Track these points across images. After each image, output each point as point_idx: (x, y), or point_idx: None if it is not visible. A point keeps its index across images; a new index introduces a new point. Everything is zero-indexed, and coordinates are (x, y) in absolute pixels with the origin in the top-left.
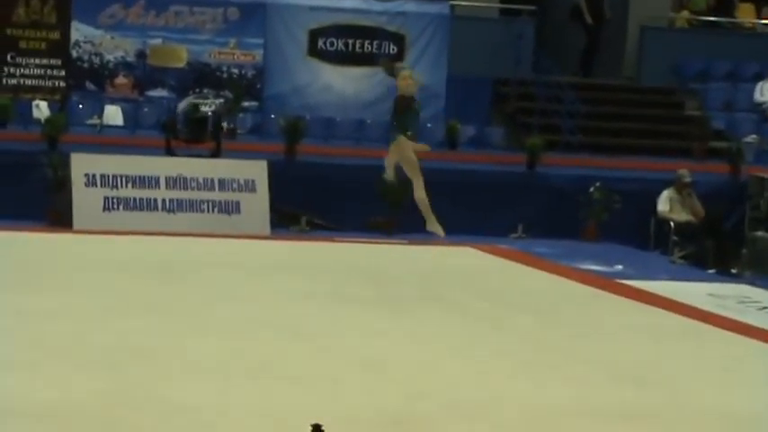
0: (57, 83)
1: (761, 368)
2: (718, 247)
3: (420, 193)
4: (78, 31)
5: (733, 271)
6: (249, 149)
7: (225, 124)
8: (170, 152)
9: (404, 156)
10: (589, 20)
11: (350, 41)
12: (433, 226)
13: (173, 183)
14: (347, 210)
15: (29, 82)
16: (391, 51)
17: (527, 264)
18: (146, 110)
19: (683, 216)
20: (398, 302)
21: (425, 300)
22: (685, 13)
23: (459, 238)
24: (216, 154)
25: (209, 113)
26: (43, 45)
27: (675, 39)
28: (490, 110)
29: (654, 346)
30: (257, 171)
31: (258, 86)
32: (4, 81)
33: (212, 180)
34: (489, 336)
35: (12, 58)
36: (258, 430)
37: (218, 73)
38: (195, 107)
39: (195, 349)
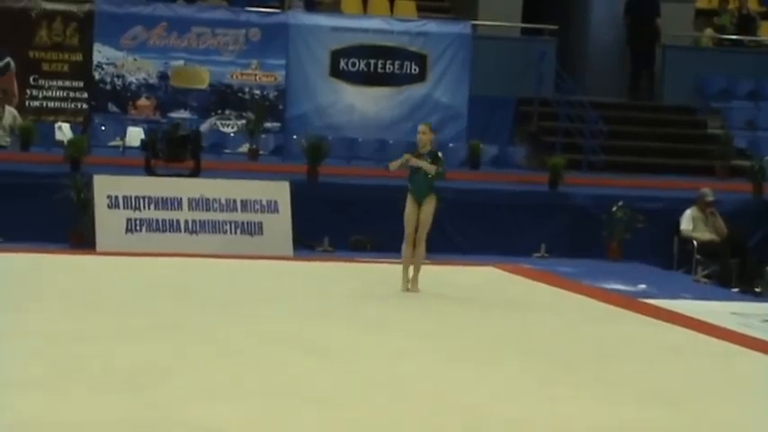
0: (79, 105)
1: None
2: (742, 265)
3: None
4: (100, 53)
5: (757, 290)
6: (271, 170)
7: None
8: (150, 171)
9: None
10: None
11: (372, 62)
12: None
13: (195, 204)
14: (370, 230)
15: (51, 104)
16: (413, 71)
17: (550, 283)
18: None
19: (706, 235)
20: (417, 323)
21: (448, 320)
22: (708, 32)
23: (481, 257)
24: (195, 173)
25: (189, 132)
26: (66, 67)
27: (697, 57)
28: (512, 129)
29: (679, 365)
30: (280, 192)
31: (280, 107)
32: (27, 103)
33: (235, 201)
34: (514, 355)
35: (34, 80)
36: None
37: (240, 94)
38: (175, 127)
39: (217, 370)
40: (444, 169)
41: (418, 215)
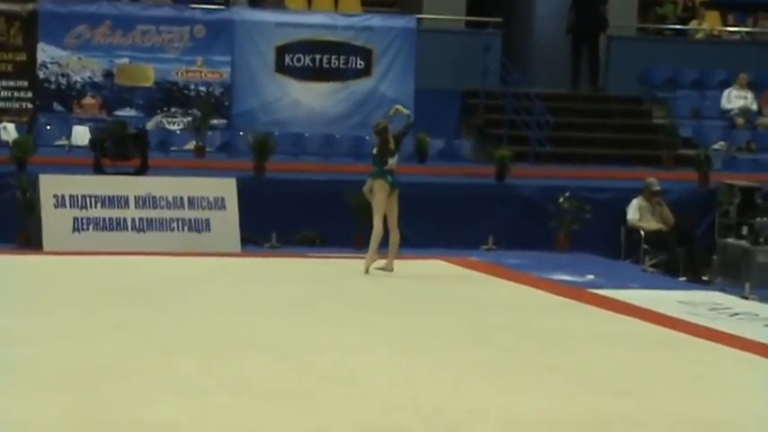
0: (24, 104)
1: (731, 374)
2: (689, 254)
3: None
4: (45, 52)
5: (704, 278)
6: (218, 167)
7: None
8: (99, 170)
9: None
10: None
11: (317, 57)
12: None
13: (142, 202)
14: (317, 225)
15: None
16: (359, 66)
17: (498, 275)
18: None
19: (652, 224)
20: (370, 317)
21: (398, 314)
22: (652, 22)
23: (429, 251)
24: (142, 171)
25: (136, 131)
26: (10, 67)
27: (642, 48)
28: (459, 122)
29: (627, 354)
30: (226, 189)
31: (226, 104)
32: None
33: (181, 198)
34: (463, 348)
35: None
36: None
37: (185, 91)
38: (121, 125)
39: (169, 368)
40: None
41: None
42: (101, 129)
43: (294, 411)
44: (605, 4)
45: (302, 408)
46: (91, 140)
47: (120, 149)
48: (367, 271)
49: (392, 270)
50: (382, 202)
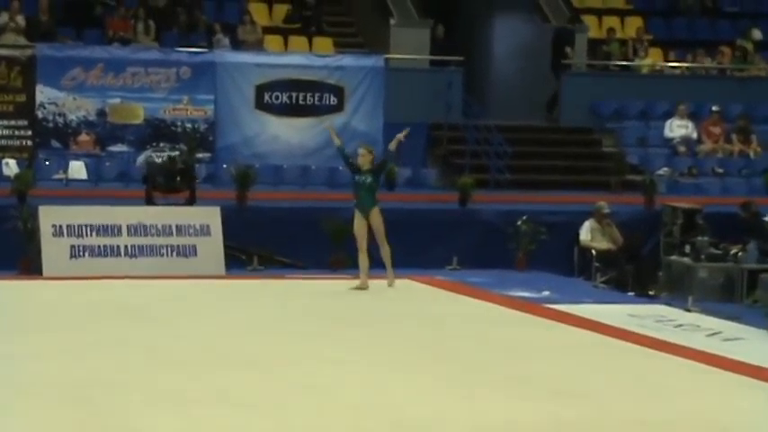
0: (24, 142)
1: (675, 379)
2: (637, 271)
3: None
4: (43, 93)
5: (651, 293)
6: (204, 197)
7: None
8: (150, 202)
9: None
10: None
11: (293, 94)
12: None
13: (134, 230)
14: (296, 249)
15: None
16: (332, 102)
17: (461, 293)
18: (107, 164)
19: (603, 244)
20: (344, 333)
21: (369, 329)
22: (600, 59)
23: (398, 271)
24: (191, 201)
25: (184, 165)
26: (11, 107)
27: (592, 83)
28: (425, 153)
29: (582, 363)
30: (211, 216)
31: (210, 139)
32: None
33: (170, 226)
34: (429, 359)
35: None
36: None
37: (173, 127)
38: (171, 161)
39: (159, 381)
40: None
41: (368, 227)
42: (152, 164)
43: (272, 420)
44: (572, 46)
45: (280, 417)
46: (144, 176)
47: (171, 183)
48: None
49: (393, 285)
50: (359, 231)
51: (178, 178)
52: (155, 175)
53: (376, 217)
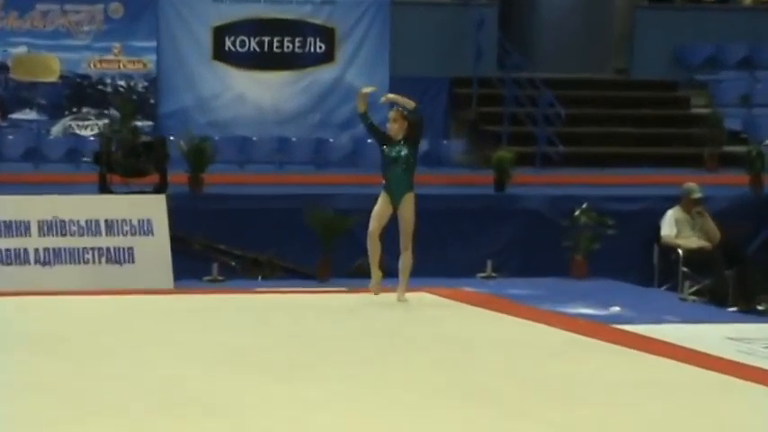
0: None
1: None
2: (740, 278)
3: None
4: None
5: (759, 308)
6: (143, 181)
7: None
8: (106, 189)
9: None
10: None
11: (265, 40)
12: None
13: (47, 228)
14: (270, 250)
15: None
16: (318, 50)
17: (498, 309)
18: (10, 137)
19: (693, 241)
20: (335, 367)
21: (371, 361)
22: None
23: (412, 281)
24: (161, 188)
25: (152, 140)
26: None
27: (676, 19)
28: (447, 118)
29: (668, 407)
30: (154, 208)
31: (152, 101)
32: None
33: (97, 222)
34: (456, 403)
35: None
36: None
37: (100, 87)
38: (133, 133)
39: None
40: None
41: (395, 217)
42: (107, 138)
43: None
44: None
45: None
46: (95, 154)
47: (132, 164)
48: (377, 291)
49: (405, 300)
50: (379, 213)
51: (141, 156)
52: (110, 152)
53: (408, 206)
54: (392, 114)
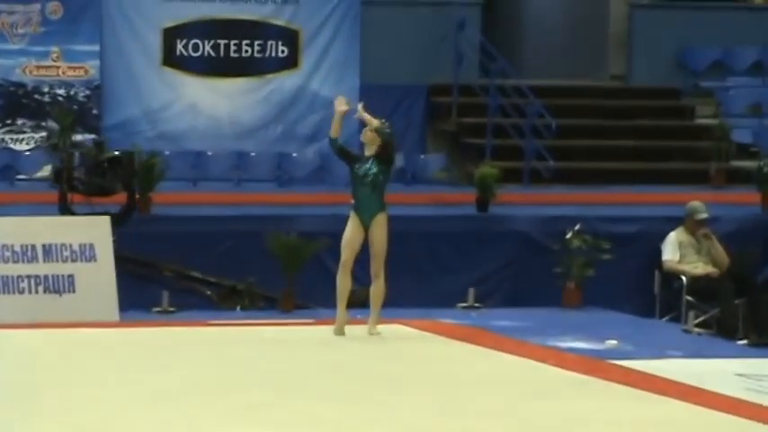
0: None
1: None
2: (751, 307)
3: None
4: None
5: None
6: (107, 201)
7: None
8: (66, 210)
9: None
10: None
11: (221, 43)
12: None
13: None
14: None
15: None
16: (280, 54)
17: (482, 344)
18: None
19: (698, 267)
20: (300, 407)
21: (345, 401)
22: None
23: (386, 312)
24: (129, 209)
25: (115, 153)
26: None
27: (679, 19)
28: (423, 130)
29: None
30: (97, 231)
31: (94, 112)
32: None
33: (33, 247)
34: None
35: None
36: None
37: (37, 96)
38: (97, 147)
39: None
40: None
41: (366, 241)
42: (68, 153)
43: None
44: None
45: None
46: (54, 171)
47: (96, 181)
48: (339, 333)
49: (378, 333)
50: (350, 242)
51: (108, 174)
52: (71, 169)
53: (380, 228)
54: (368, 126)
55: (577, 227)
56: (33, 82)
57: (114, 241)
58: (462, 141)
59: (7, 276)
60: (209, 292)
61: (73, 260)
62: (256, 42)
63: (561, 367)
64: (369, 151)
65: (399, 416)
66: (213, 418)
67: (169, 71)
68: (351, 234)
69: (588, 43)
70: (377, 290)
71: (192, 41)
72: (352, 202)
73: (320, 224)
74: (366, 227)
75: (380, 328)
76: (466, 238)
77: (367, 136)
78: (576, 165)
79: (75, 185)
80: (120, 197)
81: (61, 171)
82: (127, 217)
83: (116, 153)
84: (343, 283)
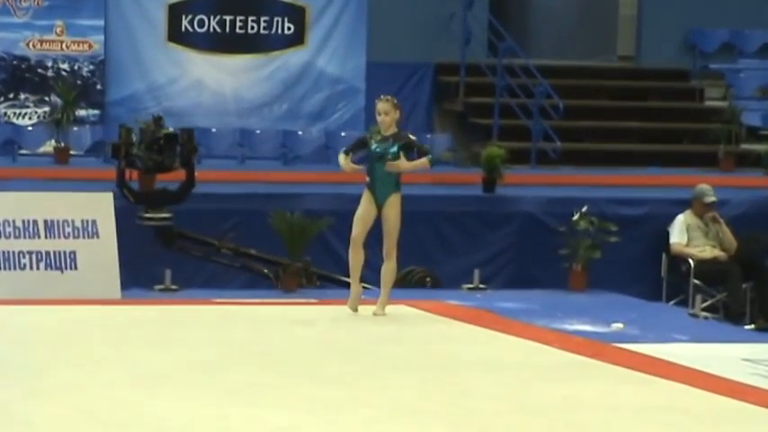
0: None
1: None
2: (758, 292)
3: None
4: None
5: None
6: (88, 177)
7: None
8: (125, 187)
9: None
10: None
11: (227, 19)
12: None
13: None
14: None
15: None
16: (287, 31)
17: (487, 326)
18: None
19: (706, 250)
20: (302, 387)
21: (345, 382)
22: None
23: (391, 293)
24: (188, 186)
25: (174, 130)
26: None
27: (689, 0)
28: (430, 109)
29: None
30: (100, 207)
31: (98, 87)
32: None
33: (35, 223)
34: (429, 430)
35: None
36: None
37: (40, 70)
38: (156, 124)
39: None
40: (433, 154)
41: (378, 219)
42: (128, 129)
43: None
44: None
45: None
46: (113, 147)
47: (154, 158)
48: (354, 308)
49: (383, 314)
50: (362, 218)
51: (163, 150)
52: (130, 144)
53: (393, 209)
54: (382, 106)
55: (584, 209)
56: (37, 56)
57: (170, 218)
58: (469, 121)
59: (8, 252)
60: (265, 271)
61: (75, 236)
62: (262, 19)
63: (566, 350)
64: (389, 129)
65: (402, 397)
66: (213, 399)
67: (174, 47)
68: (363, 210)
69: (597, 23)
70: (388, 270)
71: (198, 17)
72: (366, 179)
73: (325, 203)
74: (379, 206)
75: (387, 308)
76: (472, 219)
77: (385, 121)
78: (583, 146)
79: (133, 161)
80: (178, 174)
81: (119, 147)
82: (186, 194)
83: (172, 130)
84: (355, 257)
